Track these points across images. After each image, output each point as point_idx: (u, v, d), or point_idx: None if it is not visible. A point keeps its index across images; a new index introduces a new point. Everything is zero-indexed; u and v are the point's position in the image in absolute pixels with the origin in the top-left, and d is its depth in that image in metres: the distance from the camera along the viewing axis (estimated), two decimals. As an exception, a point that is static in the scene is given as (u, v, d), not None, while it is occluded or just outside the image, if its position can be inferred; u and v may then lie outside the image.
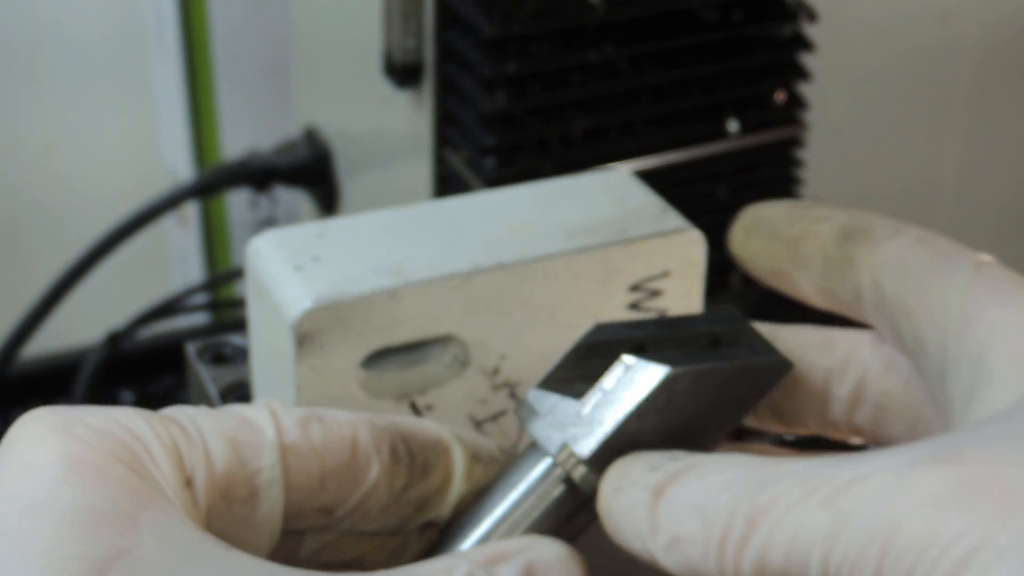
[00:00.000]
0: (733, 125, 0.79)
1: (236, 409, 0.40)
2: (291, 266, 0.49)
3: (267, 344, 0.51)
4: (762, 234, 0.47)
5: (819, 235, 0.45)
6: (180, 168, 1.14)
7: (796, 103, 0.80)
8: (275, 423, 0.40)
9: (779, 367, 0.42)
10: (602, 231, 0.51)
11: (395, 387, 0.49)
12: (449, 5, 0.74)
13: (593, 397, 0.40)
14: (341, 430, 0.40)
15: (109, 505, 0.35)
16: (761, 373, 0.42)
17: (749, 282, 0.83)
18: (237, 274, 1.09)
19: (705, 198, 0.79)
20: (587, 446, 0.40)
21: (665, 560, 0.37)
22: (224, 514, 0.39)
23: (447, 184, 0.77)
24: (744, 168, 0.79)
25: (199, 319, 1.12)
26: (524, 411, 0.41)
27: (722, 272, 0.81)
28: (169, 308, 1.00)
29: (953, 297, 0.40)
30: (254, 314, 0.52)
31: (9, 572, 0.33)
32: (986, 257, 0.41)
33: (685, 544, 0.36)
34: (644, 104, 0.76)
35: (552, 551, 0.39)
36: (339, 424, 0.41)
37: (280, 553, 0.41)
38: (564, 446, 0.40)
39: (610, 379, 0.40)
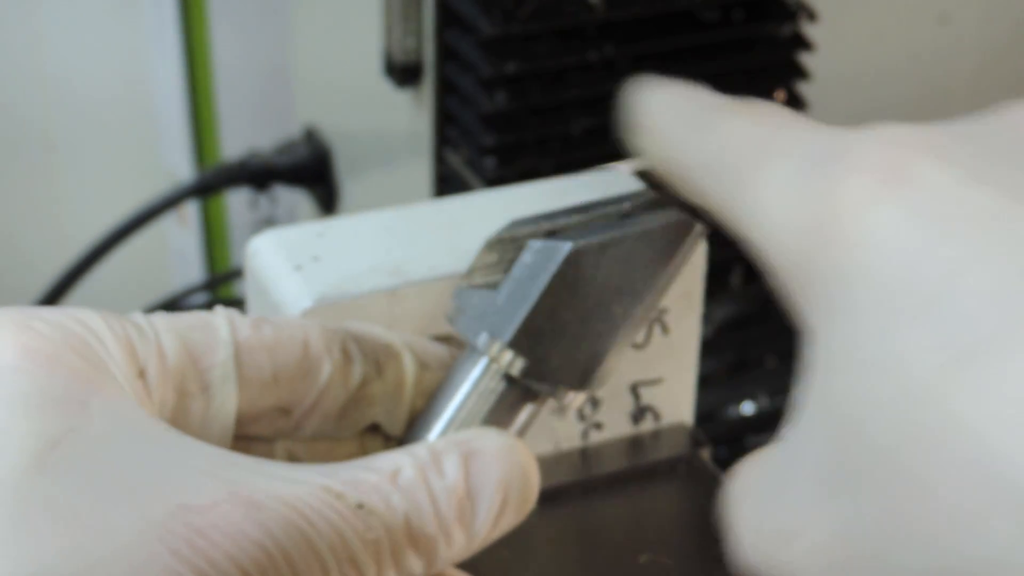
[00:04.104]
0: (733, 125, 0.79)
1: (193, 312, 0.42)
2: (291, 266, 0.49)
3: (267, 344, 0.51)
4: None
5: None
6: (180, 168, 1.14)
7: (796, 103, 0.80)
8: (229, 323, 0.41)
9: (682, 226, 0.43)
10: (602, 231, 0.51)
11: (395, 387, 0.49)
12: (449, 5, 0.74)
13: (506, 284, 0.42)
14: (292, 330, 0.42)
15: (60, 389, 0.36)
16: (665, 234, 0.43)
17: (749, 281, 0.83)
18: (237, 274, 1.09)
19: (705, 198, 0.79)
20: (507, 331, 0.41)
21: None
22: (177, 408, 0.40)
23: (447, 184, 0.77)
24: (744, 168, 0.79)
25: (199, 319, 1.12)
26: (450, 312, 0.42)
27: (722, 272, 0.81)
28: (169, 308, 1.00)
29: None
30: (254, 314, 0.52)
31: None
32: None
33: None
34: (644, 104, 0.76)
35: (494, 441, 0.40)
36: (290, 325, 0.42)
37: None
38: (487, 336, 0.41)
39: (520, 265, 0.42)
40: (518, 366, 0.41)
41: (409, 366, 0.43)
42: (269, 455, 0.42)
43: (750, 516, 0.36)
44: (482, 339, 0.41)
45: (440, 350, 0.44)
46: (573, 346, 0.41)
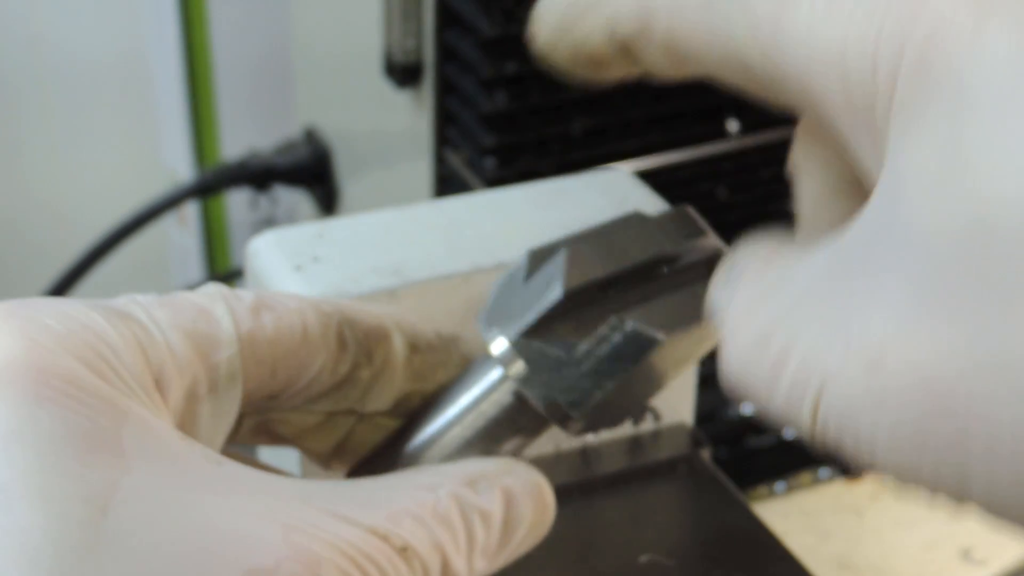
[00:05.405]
0: (733, 125, 0.79)
1: (190, 298, 0.39)
2: (291, 266, 0.49)
3: (267, 344, 0.51)
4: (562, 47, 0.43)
5: (596, 53, 0.42)
6: (180, 168, 1.14)
7: (796, 103, 0.80)
8: (230, 312, 0.39)
9: None
10: (602, 231, 0.51)
11: (395, 387, 0.49)
12: (449, 5, 0.74)
13: (589, 360, 0.41)
14: (291, 318, 0.40)
15: (89, 426, 0.34)
16: None
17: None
18: (237, 274, 1.09)
19: (705, 198, 0.79)
20: (576, 406, 0.41)
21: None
22: (187, 412, 0.38)
23: (447, 184, 0.77)
24: (744, 168, 0.79)
25: (199, 319, 1.12)
26: (513, 368, 0.41)
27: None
28: (169, 308, 1.00)
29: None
30: (254, 314, 0.51)
31: (9, 512, 0.32)
32: None
33: None
34: (644, 104, 0.76)
35: (528, 478, 0.40)
36: (288, 312, 0.40)
37: None
38: (551, 400, 0.41)
39: (608, 342, 0.41)
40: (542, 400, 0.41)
41: (399, 349, 0.43)
42: (238, 428, 0.41)
43: (788, 330, 0.33)
44: (544, 399, 0.41)
45: (427, 331, 0.44)
46: (617, 403, 0.42)
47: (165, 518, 0.33)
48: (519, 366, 0.41)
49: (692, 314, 0.41)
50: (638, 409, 0.43)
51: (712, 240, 0.43)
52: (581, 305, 0.41)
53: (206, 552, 0.33)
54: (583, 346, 0.41)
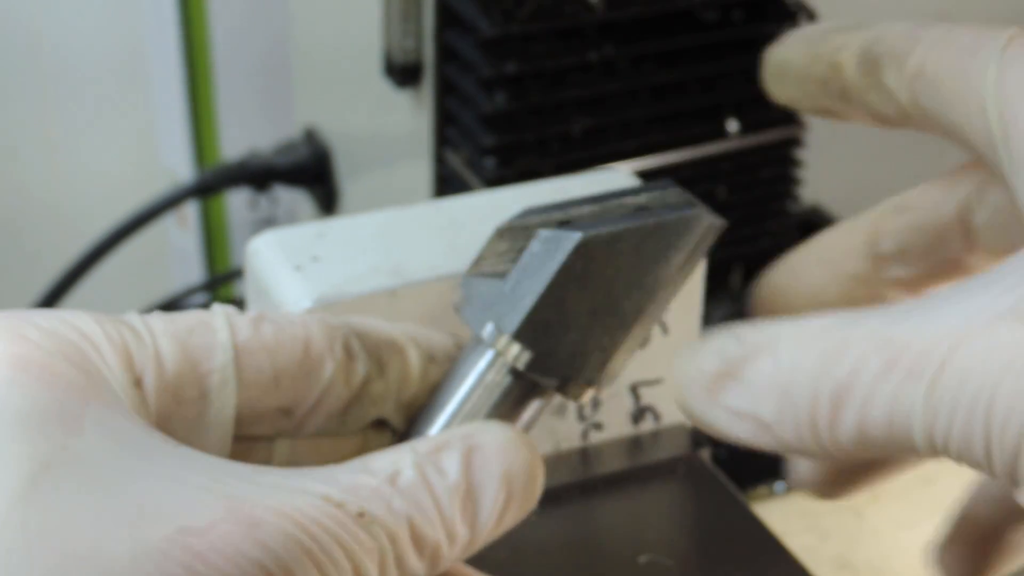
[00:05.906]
0: (733, 125, 0.79)
1: (192, 312, 0.40)
2: (291, 266, 0.49)
3: (267, 344, 0.51)
4: (790, 81, 0.48)
5: (842, 68, 0.46)
6: (180, 168, 1.14)
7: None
8: (228, 323, 0.40)
9: (695, 220, 0.42)
10: (602, 231, 0.51)
11: (395, 387, 0.49)
12: (449, 5, 0.74)
13: (514, 274, 0.41)
14: (293, 329, 0.41)
15: (54, 403, 0.35)
16: (678, 228, 0.41)
17: (749, 281, 0.83)
18: (237, 274, 1.09)
19: (705, 198, 0.79)
20: (513, 322, 0.40)
21: (754, 443, 0.38)
22: (175, 416, 0.39)
23: (447, 184, 0.77)
24: (744, 168, 0.79)
25: (199, 319, 1.12)
26: (457, 300, 0.42)
27: (722, 272, 0.81)
28: (169, 308, 1.00)
29: (988, 98, 0.41)
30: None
31: None
32: (1012, 32, 0.42)
33: (774, 427, 0.38)
34: (644, 104, 0.76)
35: (496, 435, 0.39)
36: (290, 323, 0.41)
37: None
38: (493, 327, 0.40)
39: (528, 254, 0.40)
40: (524, 359, 0.40)
41: (414, 361, 0.42)
42: (270, 455, 0.41)
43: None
44: (488, 330, 0.40)
45: (445, 341, 0.44)
46: (581, 340, 0.40)
47: (102, 477, 0.34)
48: (460, 300, 0.41)
49: (621, 223, 0.40)
50: (604, 356, 0.41)
51: (686, 196, 0.43)
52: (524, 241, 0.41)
53: (138, 509, 0.34)
54: (509, 265, 0.41)
